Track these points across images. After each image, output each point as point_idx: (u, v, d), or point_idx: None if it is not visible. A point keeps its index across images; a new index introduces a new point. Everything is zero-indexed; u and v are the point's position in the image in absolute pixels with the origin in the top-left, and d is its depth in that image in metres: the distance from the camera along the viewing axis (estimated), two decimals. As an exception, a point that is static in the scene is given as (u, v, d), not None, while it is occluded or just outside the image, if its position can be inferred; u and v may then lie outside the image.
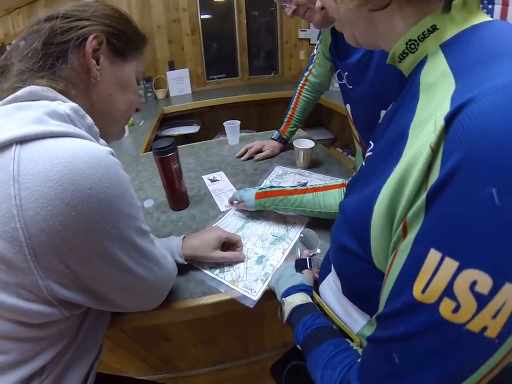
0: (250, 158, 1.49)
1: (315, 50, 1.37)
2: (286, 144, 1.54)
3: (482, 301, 0.28)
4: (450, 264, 0.29)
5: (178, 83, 3.50)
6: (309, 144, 1.31)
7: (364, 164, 0.57)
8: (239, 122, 1.65)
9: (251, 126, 3.25)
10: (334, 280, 0.58)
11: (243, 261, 0.83)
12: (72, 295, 0.48)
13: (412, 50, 0.44)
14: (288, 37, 3.78)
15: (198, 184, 1.27)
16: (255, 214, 1.03)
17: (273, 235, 0.93)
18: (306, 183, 1.18)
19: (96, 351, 0.65)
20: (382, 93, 0.93)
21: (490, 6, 1.93)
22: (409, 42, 0.43)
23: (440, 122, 0.31)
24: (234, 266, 0.83)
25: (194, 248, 0.80)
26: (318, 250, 0.82)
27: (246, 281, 0.78)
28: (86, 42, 0.57)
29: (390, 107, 0.57)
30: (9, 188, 0.40)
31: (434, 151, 0.32)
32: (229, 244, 0.86)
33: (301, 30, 3.71)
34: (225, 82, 3.89)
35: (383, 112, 0.97)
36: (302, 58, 3.96)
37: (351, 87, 1.08)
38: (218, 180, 1.30)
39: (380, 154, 0.47)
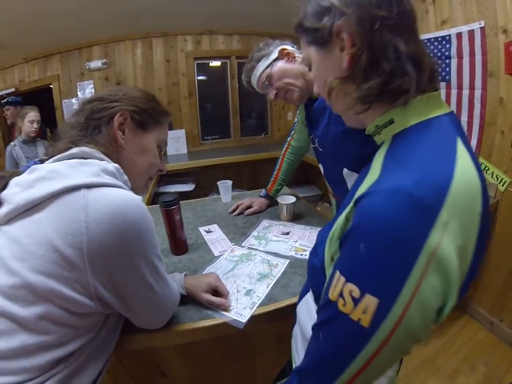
0: (241, 213, 1.76)
1: (296, 119, 1.72)
2: (272, 201, 1.83)
3: (355, 301, 0.47)
4: (342, 279, 0.51)
5: (175, 143, 3.88)
6: (290, 199, 1.61)
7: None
8: (231, 182, 1.95)
9: (243, 185, 3.54)
10: (311, 293, 0.77)
11: (226, 308, 1.02)
12: (107, 295, 0.70)
13: (379, 133, 0.62)
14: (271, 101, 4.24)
15: (195, 234, 1.54)
16: (244, 258, 1.28)
17: (259, 273, 1.18)
18: (289, 232, 1.45)
19: (107, 356, 0.83)
20: (342, 155, 1.24)
21: (447, 61, 2.38)
22: (377, 127, 0.61)
23: (352, 202, 0.52)
24: (227, 297, 1.06)
25: (191, 286, 1.04)
26: None
27: (236, 309, 1.01)
28: (114, 118, 0.85)
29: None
30: (79, 215, 0.65)
31: (347, 219, 0.54)
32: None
33: (288, 93, 4.17)
34: (219, 143, 4.30)
35: (345, 170, 1.27)
36: (289, 119, 4.42)
37: (321, 149, 1.40)
38: (212, 231, 1.56)
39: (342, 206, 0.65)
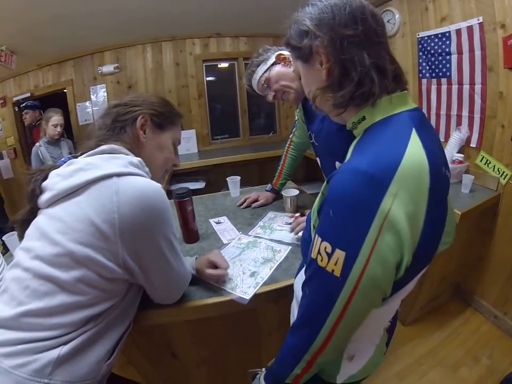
0: (248, 206, 1.89)
1: (296, 117, 1.88)
2: (277, 194, 1.95)
3: (329, 255, 0.61)
4: (319, 240, 0.64)
5: (186, 142, 4.01)
6: (294, 192, 1.73)
7: None
8: (239, 177, 2.09)
9: (252, 183, 3.60)
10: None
11: (223, 278, 1.16)
12: (132, 264, 0.84)
13: (355, 128, 0.74)
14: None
15: (206, 225, 1.66)
16: (250, 245, 1.40)
17: (263, 258, 1.30)
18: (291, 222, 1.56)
19: (127, 324, 0.96)
20: (334, 149, 1.35)
21: (448, 57, 2.47)
22: (354, 123, 0.74)
23: (326, 180, 0.68)
24: (234, 278, 1.18)
25: (198, 266, 1.17)
26: None
27: (241, 287, 1.13)
28: (137, 120, 1.00)
29: None
30: (112, 198, 0.79)
31: (323, 194, 0.69)
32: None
33: (296, 93, 4.29)
34: (228, 142, 4.44)
35: (337, 163, 1.38)
36: (297, 119, 4.50)
37: (317, 144, 1.53)
38: (222, 222, 1.69)
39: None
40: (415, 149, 0.59)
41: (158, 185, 0.87)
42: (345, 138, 1.09)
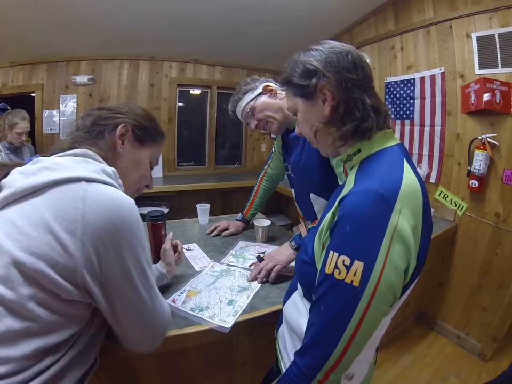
0: (218, 234, 1.88)
1: (273, 149, 1.93)
2: (248, 224, 1.98)
3: (347, 268, 0.66)
4: (335, 255, 0.68)
5: (151, 166, 3.92)
6: (266, 222, 1.76)
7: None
8: (209, 205, 2.08)
9: (215, 213, 3.60)
10: (299, 291, 0.92)
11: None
12: (92, 287, 0.71)
13: (350, 159, 0.83)
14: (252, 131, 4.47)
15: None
16: (224, 273, 1.39)
17: (239, 286, 1.29)
18: (265, 252, 1.57)
19: (92, 359, 0.84)
20: (310, 181, 1.44)
21: (412, 101, 2.77)
22: (348, 156, 0.83)
23: (337, 202, 0.74)
24: (211, 306, 1.15)
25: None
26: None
27: (220, 316, 1.10)
28: (117, 128, 0.94)
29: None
30: (77, 204, 0.69)
31: (333, 215, 0.74)
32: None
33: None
34: (193, 170, 4.43)
35: (312, 195, 1.44)
36: (263, 151, 4.66)
37: (293, 175, 1.59)
38: (192, 249, 1.66)
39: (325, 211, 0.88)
40: (409, 175, 0.71)
41: (132, 200, 0.78)
42: (322, 171, 1.14)
